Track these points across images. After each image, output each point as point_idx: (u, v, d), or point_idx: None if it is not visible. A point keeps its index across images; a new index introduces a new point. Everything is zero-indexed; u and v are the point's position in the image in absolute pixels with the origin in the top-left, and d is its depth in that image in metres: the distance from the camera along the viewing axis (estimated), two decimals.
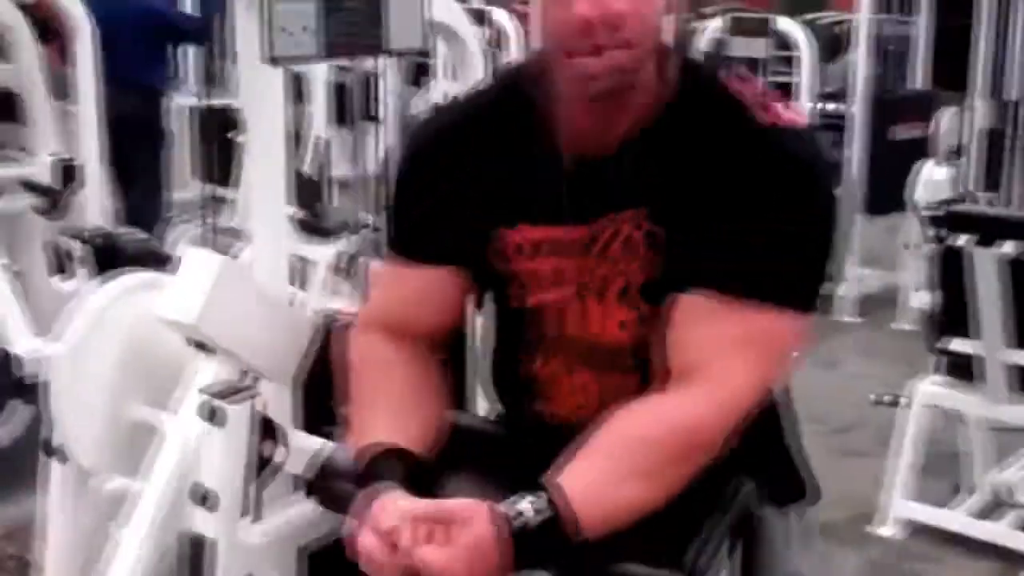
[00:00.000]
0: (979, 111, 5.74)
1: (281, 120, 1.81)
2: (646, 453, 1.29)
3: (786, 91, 5.09)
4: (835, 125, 5.31)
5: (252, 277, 1.72)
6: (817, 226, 1.35)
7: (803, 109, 4.77)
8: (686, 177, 1.36)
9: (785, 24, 4.80)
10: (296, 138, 5.82)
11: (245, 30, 1.77)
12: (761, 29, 5.09)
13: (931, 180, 4.96)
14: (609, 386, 1.45)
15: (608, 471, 1.28)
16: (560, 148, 1.43)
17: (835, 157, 5.06)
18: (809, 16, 7.61)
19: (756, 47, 5.10)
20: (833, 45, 8.03)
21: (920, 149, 5.20)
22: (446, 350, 1.58)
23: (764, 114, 1.38)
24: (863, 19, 5.39)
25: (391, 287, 1.58)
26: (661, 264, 1.38)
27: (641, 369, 1.43)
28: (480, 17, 5.36)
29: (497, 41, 5.43)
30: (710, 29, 5.36)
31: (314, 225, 4.62)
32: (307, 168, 4.88)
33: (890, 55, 5.89)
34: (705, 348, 1.32)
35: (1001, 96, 5.90)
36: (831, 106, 5.62)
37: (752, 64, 5.15)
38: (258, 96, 1.79)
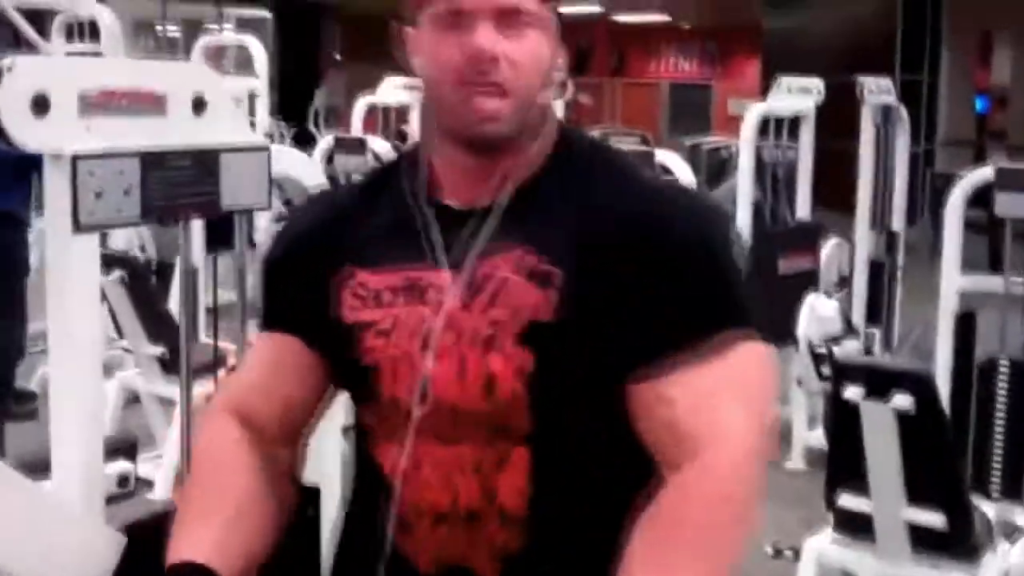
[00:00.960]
0: (862, 241, 5.79)
1: (95, 292, 1.59)
2: (692, 545, 1.20)
3: None
4: None
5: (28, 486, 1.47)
6: (727, 250, 1.31)
7: None
8: (578, 220, 1.29)
9: (662, 155, 4.74)
10: (162, 268, 5.59)
11: (54, 192, 1.56)
12: (645, 159, 5.03)
13: (817, 313, 4.90)
14: (492, 462, 1.26)
15: None
16: (436, 199, 1.35)
17: None
18: (692, 140, 7.65)
19: None
20: (719, 169, 8.09)
21: (808, 280, 5.15)
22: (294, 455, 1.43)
23: (647, 170, 1.41)
24: (745, 144, 5.35)
25: (247, 363, 1.47)
26: (558, 305, 1.25)
27: (537, 436, 1.25)
28: (361, 145, 5.21)
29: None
30: None
31: (172, 364, 4.36)
32: (174, 302, 4.62)
33: (779, 183, 5.87)
34: (691, 416, 1.22)
35: (884, 226, 5.97)
36: None
37: None
38: (64, 265, 1.57)
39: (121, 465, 2.12)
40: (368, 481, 1.33)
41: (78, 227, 1.55)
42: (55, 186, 1.56)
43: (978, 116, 17.84)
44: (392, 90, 6.55)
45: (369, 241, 1.34)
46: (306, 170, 2.04)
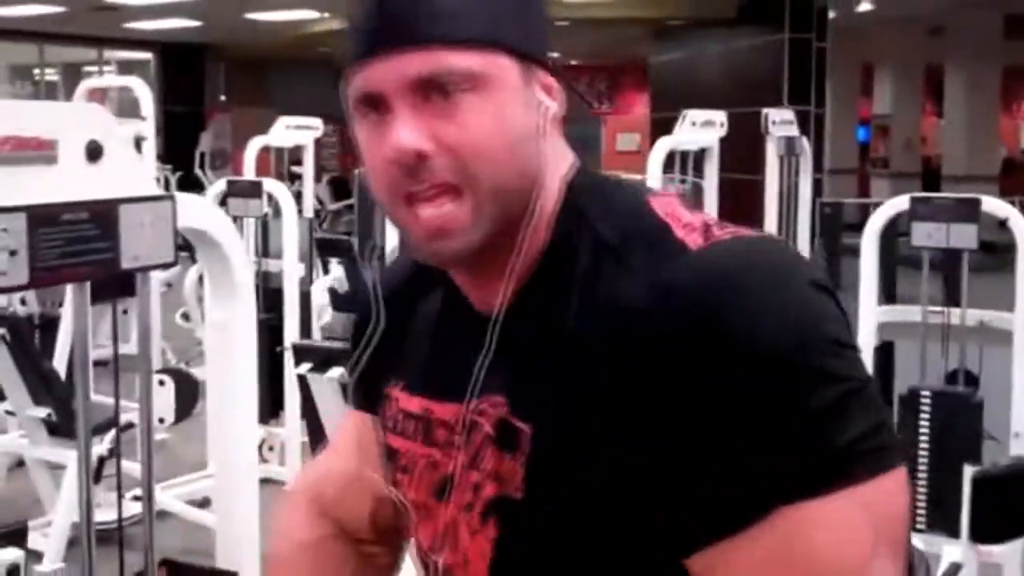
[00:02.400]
0: None
1: None
2: None
3: None
4: None
5: None
6: (822, 370, 0.85)
7: None
8: (563, 339, 0.92)
9: None
10: (45, 323, 5.29)
11: None
12: None
13: None
14: None
15: None
16: (463, 300, 1.03)
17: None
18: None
19: None
20: None
21: None
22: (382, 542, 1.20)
23: (687, 233, 0.92)
24: (653, 180, 5.31)
25: (333, 444, 1.24)
26: (526, 476, 0.93)
27: None
28: (256, 188, 5.00)
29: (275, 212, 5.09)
30: None
31: (60, 426, 4.10)
32: (59, 358, 4.34)
33: None
34: None
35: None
36: None
37: None
38: None
39: (10, 554, 1.91)
40: None
41: None
42: None
43: (861, 145, 18.31)
44: (285, 131, 6.35)
45: (403, 344, 1.08)
46: (214, 220, 1.86)
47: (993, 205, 3.56)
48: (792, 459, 0.83)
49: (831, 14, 12.13)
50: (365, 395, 1.15)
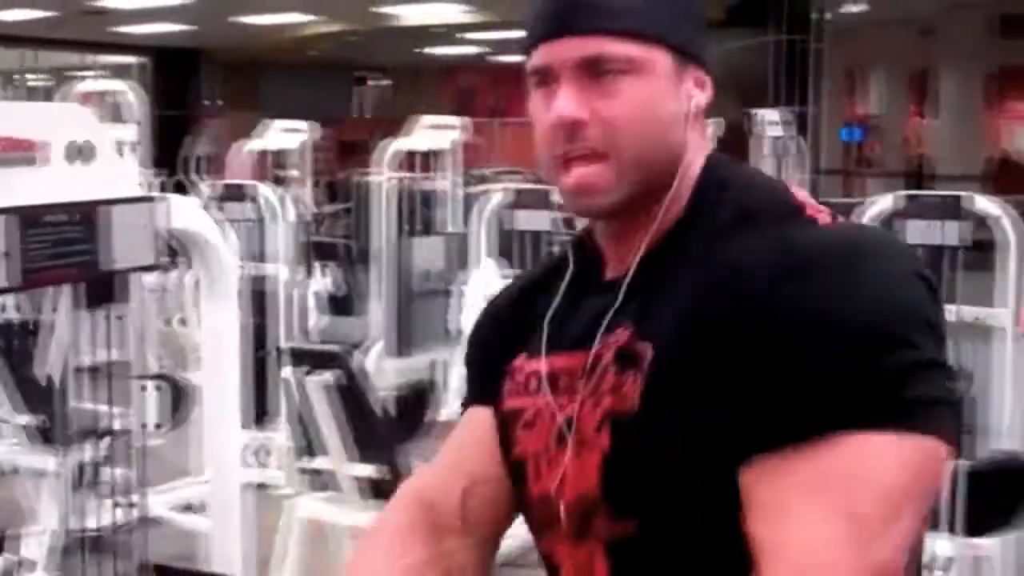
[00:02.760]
0: None
1: None
2: None
3: None
4: None
5: None
6: (890, 333, 0.97)
7: None
8: (694, 284, 1.06)
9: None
10: (36, 328, 5.25)
11: None
12: (543, 202, 4.94)
13: None
14: (584, 565, 1.10)
15: None
16: (599, 273, 1.19)
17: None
18: None
19: (540, 220, 4.96)
20: None
21: None
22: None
23: (820, 214, 1.08)
24: None
25: (443, 445, 1.31)
26: (643, 391, 1.05)
27: (611, 542, 1.08)
28: (246, 191, 5.00)
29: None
30: (492, 202, 5.21)
31: (52, 433, 4.05)
32: (52, 365, 4.32)
33: None
34: (760, 523, 0.97)
35: None
36: None
37: (536, 236, 5.00)
38: None
39: None
40: None
41: None
42: None
43: (850, 145, 18.33)
44: (274, 134, 6.34)
45: (537, 324, 1.20)
46: (202, 222, 1.86)
47: (984, 203, 3.58)
48: (861, 396, 0.95)
49: (822, 15, 12.15)
50: (485, 381, 1.25)
